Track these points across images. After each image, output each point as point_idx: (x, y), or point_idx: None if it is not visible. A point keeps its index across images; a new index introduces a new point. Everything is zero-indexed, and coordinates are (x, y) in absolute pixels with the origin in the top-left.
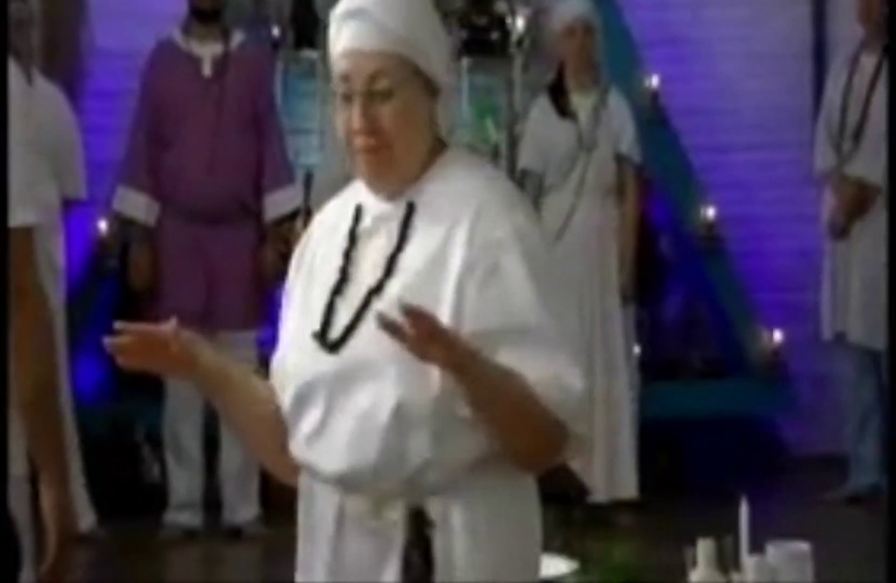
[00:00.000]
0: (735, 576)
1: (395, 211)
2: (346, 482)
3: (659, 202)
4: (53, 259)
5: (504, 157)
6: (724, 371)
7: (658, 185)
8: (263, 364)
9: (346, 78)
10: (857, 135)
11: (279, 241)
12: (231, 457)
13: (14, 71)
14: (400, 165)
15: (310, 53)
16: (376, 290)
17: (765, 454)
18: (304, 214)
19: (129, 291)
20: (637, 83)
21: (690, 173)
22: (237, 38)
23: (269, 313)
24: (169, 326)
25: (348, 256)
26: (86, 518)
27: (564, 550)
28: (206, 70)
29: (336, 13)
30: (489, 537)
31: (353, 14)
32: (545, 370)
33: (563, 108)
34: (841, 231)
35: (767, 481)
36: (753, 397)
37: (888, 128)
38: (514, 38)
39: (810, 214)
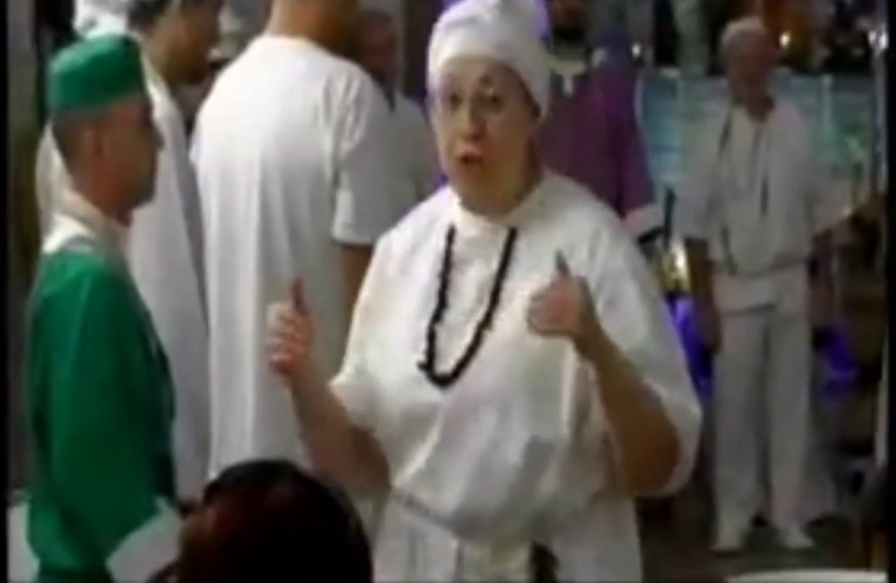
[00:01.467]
0: None
1: (494, 236)
2: (465, 523)
3: None
4: None
5: (867, 175)
6: None
7: None
8: None
9: (453, 82)
10: None
11: None
12: None
13: (376, 93)
14: (499, 178)
15: (670, 71)
16: (486, 322)
17: None
18: (664, 233)
19: None
20: None
21: None
22: (598, 56)
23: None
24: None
25: (444, 280)
26: None
27: None
28: (568, 88)
29: (442, 23)
30: (605, 573)
31: (462, 23)
32: (666, 400)
33: None
34: None
35: None
36: None
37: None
38: (877, 54)
39: None
